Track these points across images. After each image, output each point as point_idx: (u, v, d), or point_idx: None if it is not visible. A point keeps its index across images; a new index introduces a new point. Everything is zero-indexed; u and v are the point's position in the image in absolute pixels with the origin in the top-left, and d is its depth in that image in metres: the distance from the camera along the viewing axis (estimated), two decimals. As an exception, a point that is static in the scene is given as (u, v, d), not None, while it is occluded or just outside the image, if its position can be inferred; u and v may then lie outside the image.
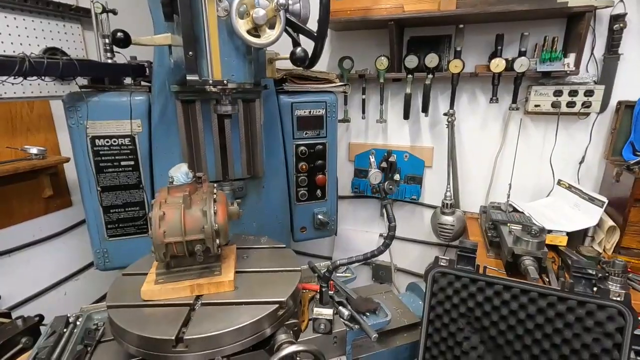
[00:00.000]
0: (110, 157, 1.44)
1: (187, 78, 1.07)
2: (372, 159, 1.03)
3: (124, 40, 1.16)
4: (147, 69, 1.55)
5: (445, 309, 1.06)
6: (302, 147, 1.71)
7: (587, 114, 1.93)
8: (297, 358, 0.86)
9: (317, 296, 1.08)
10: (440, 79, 2.08)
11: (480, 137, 2.18)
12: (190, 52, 1.04)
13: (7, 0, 1.68)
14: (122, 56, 1.54)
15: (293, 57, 1.15)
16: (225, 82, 1.09)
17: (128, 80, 1.58)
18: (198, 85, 1.08)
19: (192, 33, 1.04)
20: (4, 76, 1.09)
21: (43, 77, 1.21)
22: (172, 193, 0.96)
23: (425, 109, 2.11)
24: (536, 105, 1.95)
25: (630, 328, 0.86)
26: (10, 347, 1.27)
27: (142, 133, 1.45)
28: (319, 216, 1.82)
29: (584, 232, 1.75)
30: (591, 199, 1.77)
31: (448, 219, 2.09)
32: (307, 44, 1.19)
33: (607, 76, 1.85)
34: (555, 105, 1.90)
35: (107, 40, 1.38)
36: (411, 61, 2.01)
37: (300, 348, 0.83)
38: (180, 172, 0.97)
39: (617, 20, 1.76)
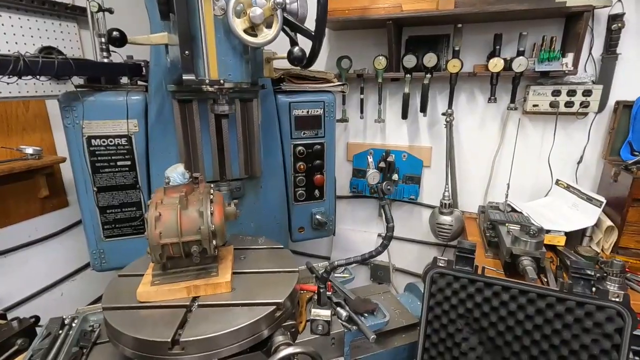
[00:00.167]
0: (106, 157, 1.43)
1: (184, 77, 1.06)
2: (370, 159, 1.02)
3: (120, 40, 1.15)
4: (143, 68, 1.54)
5: (443, 310, 1.06)
6: (300, 147, 1.70)
7: (585, 114, 1.93)
8: (296, 359, 0.85)
9: (315, 297, 1.07)
10: (439, 79, 2.07)
11: (478, 137, 2.18)
12: (187, 52, 1.03)
13: (2, -1, 1.67)
14: (119, 55, 1.53)
15: (290, 57, 1.14)
16: (222, 81, 1.08)
17: (124, 80, 1.56)
18: (194, 84, 1.08)
19: (188, 32, 1.04)
20: (-2, 75, 1.07)
21: (38, 77, 1.20)
22: (168, 194, 0.95)
23: (423, 109, 2.11)
24: (534, 105, 1.94)
25: (629, 329, 0.86)
26: (5, 348, 1.25)
27: (139, 133, 1.44)
28: (317, 216, 1.81)
29: (582, 232, 1.75)
30: (589, 199, 1.77)
31: (446, 219, 2.09)
32: (305, 44, 1.18)
33: (605, 76, 1.85)
34: (553, 105, 1.90)
35: (103, 40, 1.36)
36: (409, 61, 2.00)
37: (298, 350, 0.82)
38: (176, 173, 0.97)
39: (615, 20, 1.76)
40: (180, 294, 0.94)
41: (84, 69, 1.34)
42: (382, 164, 2.29)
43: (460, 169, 2.23)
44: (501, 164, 2.16)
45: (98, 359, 0.95)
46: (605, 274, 1.39)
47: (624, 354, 0.87)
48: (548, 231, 1.66)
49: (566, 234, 1.68)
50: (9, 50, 1.70)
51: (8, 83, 1.16)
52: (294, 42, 1.20)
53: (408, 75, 2.05)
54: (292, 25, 1.17)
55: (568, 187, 1.94)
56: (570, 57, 1.80)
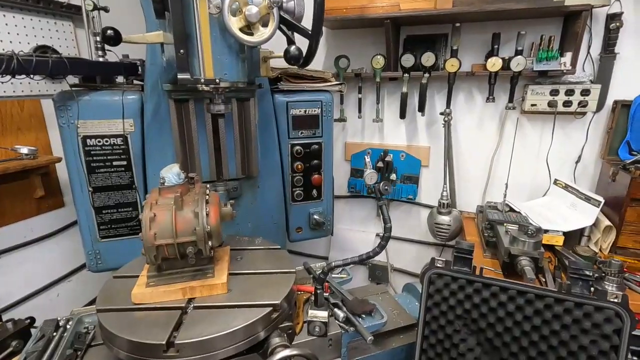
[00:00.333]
0: (102, 157, 1.42)
1: (179, 76, 1.05)
2: (368, 159, 1.01)
3: (115, 38, 1.14)
4: (139, 67, 1.53)
5: (441, 311, 1.05)
6: (297, 147, 1.69)
7: (584, 114, 1.92)
8: (291, 361, 0.84)
9: (312, 298, 1.07)
10: (437, 78, 2.07)
11: (476, 136, 2.18)
12: (182, 50, 1.02)
13: (-4, -3, 1.66)
14: (114, 54, 1.52)
15: (287, 56, 1.13)
16: (217, 80, 1.07)
17: (120, 79, 1.55)
18: (189, 83, 1.06)
19: (183, 30, 1.03)
20: (-9, 74, 1.06)
21: (32, 76, 1.19)
22: (163, 194, 0.94)
23: (421, 108, 2.10)
24: (533, 105, 1.94)
25: (628, 330, 0.85)
26: (0, 350, 1.24)
27: (135, 133, 1.42)
28: (315, 216, 1.80)
29: (581, 231, 1.74)
30: (587, 199, 1.77)
31: (444, 219, 2.08)
32: (302, 42, 1.17)
33: (603, 75, 1.85)
34: (551, 104, 1.90)
35: (98, 38, 1.35)
36: (407, 60, 1.99)
37: (294, 352, 0.81)
38: (171, 173, 0.95)
39: (614, 19, 1.76)
40: (176, 295, 0.93)
41: (78, 68, 1.33)
42: (380, 164, 2.28)
43: (459, 168, 2.22)
44: (499, 163, 2.15)
45: (92, 361, 0.94)
46: (603, 274, 1.39)
47: (622, 355, 0.86)
48: (546, 231, 1.66)
49: (564, 233, 1.67)
50: (3, 49, 1.68)
51: (2, 82, 1.14)
52: (290, 41, 1.19)
53: (406, 75, 2.04)
54: (288, 24, 1.16)
55: (566, 187, 1.93)
56: (568, 56, 1.80)
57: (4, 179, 1.72)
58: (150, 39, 1.17)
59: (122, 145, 1.42)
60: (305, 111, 1.67)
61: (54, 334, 1.03)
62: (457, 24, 1.91)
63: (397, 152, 2.34)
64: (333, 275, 1.32)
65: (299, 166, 1.71)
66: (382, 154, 2.32)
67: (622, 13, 1.74)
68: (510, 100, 1.95)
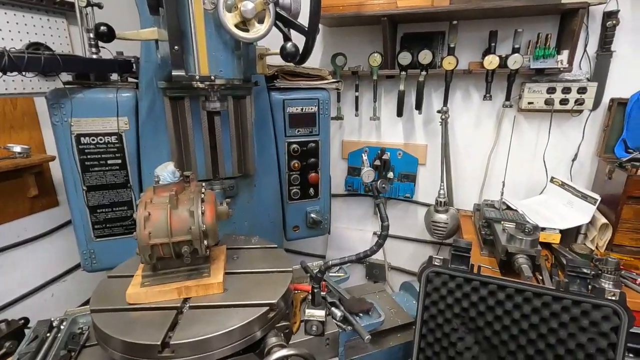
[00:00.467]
0: (96, 156, 1.40)
1: (173, 73, 1.03)
2: (365, 157, 1.00)
3: (108, 35, 1.12)
4: (134, 64, 1.51)
5: (439, 309, 1.05)
6: (294, 145, 1.68)
7: (580, 111, 1.93)
8: (288, 361, 0.83)
9: (309, 297, 1.06)
10: (434, 76, 2.06)
11: (473, 134, 2.18)
12: (176, 47, 1.01)
13: (-12, -7, 1.63)
14: (108, 51, 1.50)
15: (283, 53, 1.12)
16: (213, 77, 1.06)
17: (114, 77, 1.53)
18: (184, 80, 1.05)
19: (177, 26, 1.01)
20: (-18, 71, 1.04)
21: (24, 73, 1.17)
22: (158, 193, 0.93)
23: (418, 106, 2.10)
24: (529, 103, 1.94)
25: (625, 327, 0.85)
26: (-7, 351, 1.23)
27: (130, 131, 1.41)
28: (312, 215, 1.79)
29: (577, 229, 1.75)
30: (584, 197, 1.77)
31: (442, 217, 2.08)
32: (299, 39, 1.16)
33: (600, 73, 1.85)
34: (548, 102, 1.90)
35: (91, 35, 1.33)
36: (404, 58, 1.98)
37: (291, 352, 0.80)
38: (166, 171, 0.94)
39: (610, 17, 1.76)
40: (171, 295, 0.92)
41: (71, 65, 1.31)
42: (378, 162, 2.27)
43: (456, 166, 2.22)
44: (496, 161, 2.15)
45: (87, 362, 0.93)
46: (600, 272, 1.39)
47: (620, 352, 0.86)
48: (543, 229, 1.66)
49: (561, 231, 1.68)
50: (-5, 46, 1.66)
51: (-7, 79, 1.12)
52: (287, 38, 1.18)
53: (403, 73, 2.03)
54: (285, 21, 1.14)
55: (563, 185, 1.94)
56: (565, 54, 1.80)
57: (-4, 178, 1.70)
58: (145, 36, 1.16)
59: (116, 144, 1.41)
60: (302, 109, 1.66)
61: (48, 334, 1.02)
62: (454, 22, 1.90)
63: (394, 150, 2.33)
64: (330, 274, 1.31)
65: (296, 164, 1.70)
66: (379, 152, 2.30)
67: (618, 11, 1.74)
68: (507, 98, 1.95)
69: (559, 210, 1.84)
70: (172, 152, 1.33)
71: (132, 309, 0.89)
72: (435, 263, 1.06)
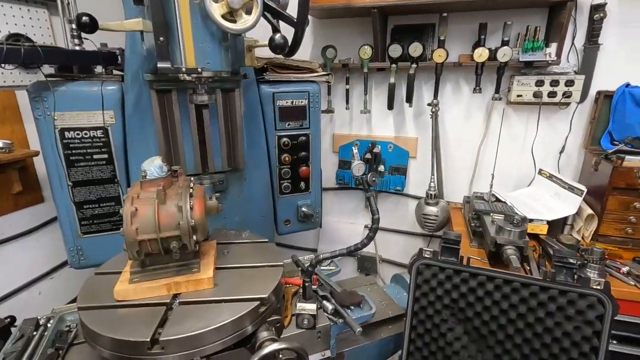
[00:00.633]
0: (81, 151, 1.37)
1: (158, 65, 1.01)
2: (355, 150, 1.00)
3: (90, 25, 1.08)
4: (119, 56, 1.47)
5: (429, 301, 1.06)
6: (284, 139, 1.66)
7: (568, 104, 1.95)
8: (280, 355, 0.83)
9: (301, 291, 1.06)
10: (424, 69, 2.06)
11: (463, 127, 2.19)
12: (161, 38, 0.98)
13: (-37, -19, 1.56)
14: (92, 43, 1.46)
15: (272, 44, 1.10)
16: (199, 70, 1.03)
17: (99, 69, 1.49)
18: (170, 73, 1.03)
19: (162, 17, 0.98)
20: (-42, 63, 1.00)
21: (3, 65, 1.13)
22: (145, 188, 0.91)
23: (409, 99, 2.10)
24: (518, 96, 1.95)
25: (610, 316, 0.88)
26: (-23, 351, 1.20)
27: (116, 125, 1.38)
28: (303, 209, 1.79)
29: (564, 220, 1.78)
30: (571, 188, 1.80)
31: (432, 210, 2.10)
32: (288, 31, 1.14)
33: (587, 66, 1.87)
34: (537, 95, 1.91)
35: (73, 26, 1.29)
36: (395, 50, 1.98)
37: (282, 346, 0.80)
38: (153, 166, 0.92)
39: (598, 10, 1.77)
40: (160, 291, 0.91)
41: (53, 57, 1.27)
42: (368, 155, 2.27)
43: (446, 159, 2.24)
44: (486, 154, 2.17)
45: (75, 360, 0.92)
46: (585, 261, 1.42)
47: (604, 339, 0.89)
48: (531, 220, 1.69)
49: (548, 222, 1.70)
50: (-27, 37, 1.60)
51: (-30, 72, 1.08)
52: (275, 29, 1.16)
53: (394, 65, 2.02)
54: (273, 12, 1.13)
55: (550, 177, 1.97)
56: (553, 47, 1.81)
57: (-22, 174, 1.65)
58: (129, 27, 1.12)
59: (102, 138, 1.38)
60: (292, 102, 1.64)
61: (34, 333, 1.00)
62: (445, 14, 1.90)
63: (385, 144, 2.33)
64: (322, 268, 1.31)
65: (287, 158, 1.69)
66: (370, 145, 2.30)
67: (605, 4, 1.75)
68: (497, 91, 1.96)
69: (546, 202, 1.87)
70: (159, 147, 1.30)
71: (120, 306, 0.88)
72: (426, 255, 1.07)
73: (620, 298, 0.88)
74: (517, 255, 1.38)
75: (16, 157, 1.72)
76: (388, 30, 2.14)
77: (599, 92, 1.88)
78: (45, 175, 1.43)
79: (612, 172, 1.61)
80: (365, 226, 2.56)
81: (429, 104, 2.09)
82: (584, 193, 1.72)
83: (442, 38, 1.93)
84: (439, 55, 1.91)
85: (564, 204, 1.78)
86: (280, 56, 1.48)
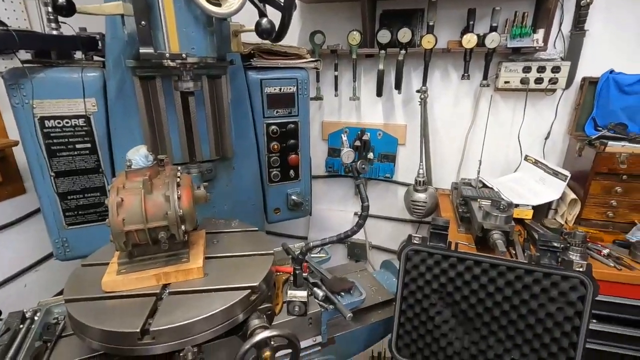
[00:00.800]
0: (63, 140, 1.33)
1: (141, 51, 0.98)
2: (344, 138, 0.99)
3: (67, 8, 1.03)
4: (99, 41, 1.42)
5: (418, 286, 1.08)
6: (273, 127, 1.64)
7: (554, 90, 1.97)
8: (272, 342, 0.84)
9: (291, 278, 1.06)
10: (413, 55, 2.05)
11: (452, 114, 2.20)
12: (143, 22, 0.95)
13: None
14: (70, 27, 1.40)
15: (259, 29, 1.07)
16: (184, 55, 1.00)
17: (78, 55, 1.43)
18: (153, 59, 0.99)
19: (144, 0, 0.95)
20: None
21: (-25, 50, 1.08)
22: (130, 177, 0.89)
23: (398, 86, 2.09)
24: (506, 82, 1.96)
25: (591, 296, 0.91)
26: (-38, 346, 1.18)
27: (98, 113, 1.34)
28: (293, 197, 1.79)
29: (548, 205, 1.82)
30: (555, 173, 1.83)
31: (421, 196, 2.12)
32: (275, 16, 1.12)
33: (573, 52, 1.88)
34: (524, 81, 1.93)
35: (49, 9, 1.23)
36: (384, 36, 1.95)
37: (274, 333, 0.81)
38: (138, 155, 0.90)
39: (584, -5, 1.78)
40: (149, 282, 0.90)
41: (29, 42, 1.21)
42: (358, 143, 2.26)
43: (435, 146, 2.25)
44: (474, 140, 2.19)
45: (64, 352, 0.91)
46: (568, 245, 1.46)
47: (585, 319, 0.92)
48: (517, 205, 1.72)
49: (533, 207, 1.74)
50: (-59, 21, 1.51)
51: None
52: (262, 14, 1.13)
53: (382, 51, 2.01)
54: (259, -5, 1.09)
55: (536, 163, 2.00)
56: (540, 33, 1.82)
57: (-46, 165, 1.59)
58: (109, 10, 1.08)
59: (84, 127, 1.34)
60: (280, 89, 1.62)
61: (21, 326, 0.99)
62: (433, -1, 1.88)
63: (374, 131, 2.33)
64: (312, 255, 1.32)
65: (275, 146, 1.67)
66: (359, 132, 2.31)
67: (592, -11, 1.76)
68: (485, 77, 1.97)
69: (531, 187, 1.90)
70: (144, 135, 1.27)
71: (108, 297, 0.87)
72: (415, 241, 1.08)
73: (600, 279, 0.91)
74: (503, 239, 1.41)
75: (-6, 147, 1.67)
76: (377, 15, 2.11)
77: (584, 79, 1.90)
78: (26, 165, 1.38)
79: (595, 158, 1.65)
80: (355, 213, 2.57)
81: (417, 91, 2.09)
82: (568, 178, 1.75)
83: (431, 23, 1.91)
84: (428, 41, 1.89)
85: (549, 189, 1.82)
86: (267, 42, 1.45)
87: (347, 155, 0.97)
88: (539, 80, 1.91)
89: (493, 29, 1.85)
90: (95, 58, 1.43)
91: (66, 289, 0.90)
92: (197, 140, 1.33)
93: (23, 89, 1.23)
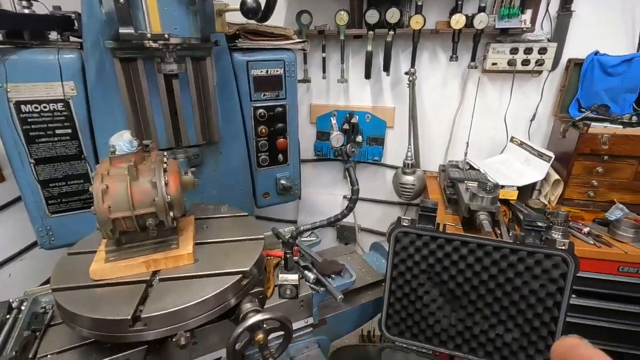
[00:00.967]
0: (41, 126, 1.28)
1: (120, 31, 0.93)
2: (334, 121, 0.98)
3: (40, -15, 0.98)
4: (75, 21, 1.35)
5: (407, 267, 1.10)
6: (260, 110, 1.62)
7: (540, 72, 1.98)
8: (264, 325, 0.85)
9: (282, 262, 1.07)
10: (402, 36, 2.02)
11: (440, 96, 2.20)
12: (122, 0, 0.90)
13: None
14: (43, 6, 1.33)
15: (244, 8, 1.04)
16: (166, 36, 0.97)
17: (54, 35, 1.36)
18: (134, 39, 0.95)
19: (122, -24, 0.90)
20: None
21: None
22: (115, 164, 0.87)
23: (386, 68, 2.07)
24: (493, 64, 1.97)
25: (572, 273, 0.94)
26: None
27: (77, 97, 1.29)
28: (282, 181, 1.78)
29: (532, 185, 1.86)
30: (540, 155, 1.87)
31: (409, 179, 2.14)
32: (260, -6, 1.08)
33: (559, 33, 1.89)
34: (511, 63, 1.93)
35: (20, -15, 1.16)
36: (372, 16, 1.92)
37: (266, 316, 0.82)
38: (122, 140, 0.88)
39: (572, -25, 1.77)
40: (139, 269, 0.89)
41: (-1, 21, 1.15)
42: (346, 126, 2.25)
43: (423, 129, 2.26)
44: (461, 122, 2.21)
45: (54, 341, 0.90)
46: (551, 224, 1.51)
47: (566, 295, 0.96)
48: (502, 186, 1.75)
49: (518, 188, 1.78)
50: None
51: None
52: (247, -8, 1.08)
53: (371, 32, 1.97)
54: (244, -28, 1.05)
55: (521, 144, 2.03)
56: (528, 13, 1.81)
57: None
58: (84, -13, 1.02)
59: (64, 112, 1.29)
60: (267, 71, 1.58)
61: (7, 316, 0.97)
62: (422, -23, 1.84)
63: (362, 114, 2.32)
64: (302, 239, 1.32)
65: (263, 130, 1.65)
66: (347, 115, 2.29)
67: (580, -31, 1.75)
68: (473, 59, 1.96)
69: (517, 168, 1.94)
70: (128, 120, 1.23)
71: (97, 286, 0.86)
72: (404, 224, 1.09)
73: (581, 256, 0.94)
74: (489, 220, 1.44)
75: (-32, 134, 1.59)
76: (365, -6, 2.06)
77: (569, 60, 1.92)
78: (3, 152, 1.33)
79: (578, 139, 1.68)
80: (344, 197, 2.59)
81: (406, 73, 2.07)
82: (552, 159, 1.79)
83: (419, 3, 1.88)
84: (416, 22, 1.87)
85: (533, 170, 1.86)
86: (252, 22, 1.40)
87: (337, 139, 0.96)
88: (525, 62, 1.92)
89: (481, 9, 1.84)
90: (72, 39, 1.37)
91: (53, 278, 0.88)
92: (183, 124, 1.30)
93: (-5, 71, 1.17)
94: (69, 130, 1.31)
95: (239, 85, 1.54)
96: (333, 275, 1.12)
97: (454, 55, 1.97)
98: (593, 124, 1.69)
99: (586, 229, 1.57)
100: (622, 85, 1.81)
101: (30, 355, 0.85)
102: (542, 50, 1.89)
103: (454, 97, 2.17)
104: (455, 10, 1.89)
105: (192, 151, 1.40)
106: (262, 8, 1.08)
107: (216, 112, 1.36)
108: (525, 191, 1.84)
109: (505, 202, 1.77)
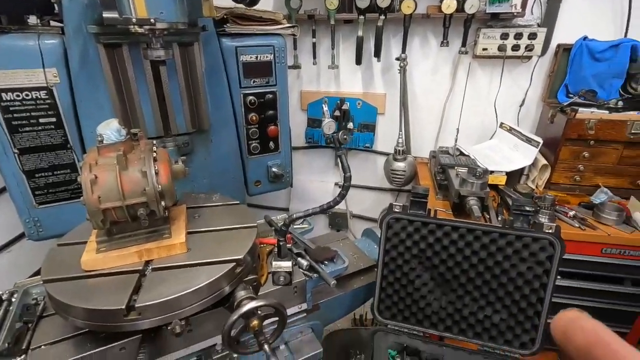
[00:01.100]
0: (24, 114, 1.24)
1: (104, 15, 0.90)
2: (325, 108, 0.98)
3: (16, -34, 0.93)
4: (55, 4, 1.29)
5: (399, 252, 1.12)
6: (250, 97, 1.59)
7: (530, 57, 1.99)
8: (259, 312, 0.86)
9: (276, 250, 1.08)
10: (393, 21, 2.00)
11: (431, 81, 2.19)
12: (104, -18, 0.87)
13: None
14: (20, -12, 1.27)
15: (232, -8, 1.01)
16: (152, 21, 0.94)
17: (33, 20, 1.31)
18: (119, 24, 0.92)
19: (104, -43, 0.86)
20: None
21: None
22: (103, 153, 0.85)
23: (377, 54, 2.05)
24: (484, 49, 1.97)
25: (558, 255, 0.97)
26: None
27: (61, 84, 1.25)
28: (273, 169, 1.77)
29: (521, 170, 1.89)
30: (528, 140, 1.90)
31: (400, 165, 2.15)
32: (248, -24, 1.05)
33: (549, 18, 1.89)
34: (501, 48, 1.93)
35: (-5, -34, 1.11)
36: (362, 0, 1.89)
37: (260, 303, 0.83)
38: (110, 129, 0.86)
39: (563, -41, 1.76)
40: (131, 259, 0.89)
41: (-26, 5, 1.09)
42: (337, 113, 2.24)
43: (413, 115, 2.26)
44: (452, 108, 2.21)
45: (48, 332, 0.90)
46: (538, 208, 1.54)
47: (552, 276, 0.99)
48: (492, 172, 1.78)
49: (507, 173, 1.81)
50: None
51: None
52: (235, -25, 1.06)
53: (362, 17, 1.95)
54: (231, -46, 1.02)
55: (510, 130, 2.05)
56: (519, -2, 1.81)
57: None
58: (64, -32, 0.98)
59: (47, 100, 1.25)
60: (256, 57, 1.55)
61: (-2, 309, 0.96)
62: (413, -40, 1.81)
63: (353, 100, 2.30)
64: (295, 226, 1.33)
65: (254, 117, 1.63)
66: (338, 102, 2.27)
67: (570, -47, 1.74)
68: (464, 44, 1.96)
69: (506, 154, 1.97)
70: (114, 108, 1.21)
71: (89, 276, 0.85)
72: (395, 210, 1.10)
73: (566, 239, 0.97)
74: (478, 205, 1.47)
75: (-53, 123, 1.53)
76: (355, -23, 2.02)
77: (559, 46, 1.92)
78: (-15, 142, 1.30)
79: (565, 124, 1.71)
80: (336, 184, 2.59)
81: (397, 59, 2.06)
82: (540, 145, 1.82)
83: (410, -13, 1.86)
84: (407, 6, 1.85)
85: (522, 155, 1.89)
86: (241, 5, 1.37)
87: (329, 126, 0.96)
88: (515, 47, 1.92)
89: (473, -7, 1.82)
90: (53, 23, 1.32)
91: (44, 270, 0.87)
92: (171, 112, 1.28)
93: (-28, 58, 1.12)
94: (54, 119, 1.28)
95: (228, 71, 1.51)
96: (326, 262, 1.14)
97: (444, 41, 1.96)
98: (580, 109, 1.71)
99: (572, 213, 1.61)
100: (609, 70, 1.83)
101: (23, 347, 0.85)
102: (532, 36, 1.89)
103: (445, 83, 2.17)
104: (447, -6, 1.87)
105: (181, 139, 1.38)
106: (251, -9, 1.05)
107: (205, 99, 1.34)
108: (514, 176, 1.87)
109: (494, 187, 1.80)
